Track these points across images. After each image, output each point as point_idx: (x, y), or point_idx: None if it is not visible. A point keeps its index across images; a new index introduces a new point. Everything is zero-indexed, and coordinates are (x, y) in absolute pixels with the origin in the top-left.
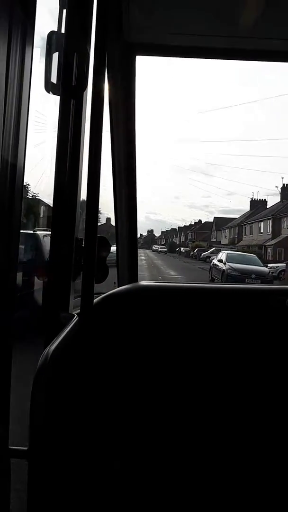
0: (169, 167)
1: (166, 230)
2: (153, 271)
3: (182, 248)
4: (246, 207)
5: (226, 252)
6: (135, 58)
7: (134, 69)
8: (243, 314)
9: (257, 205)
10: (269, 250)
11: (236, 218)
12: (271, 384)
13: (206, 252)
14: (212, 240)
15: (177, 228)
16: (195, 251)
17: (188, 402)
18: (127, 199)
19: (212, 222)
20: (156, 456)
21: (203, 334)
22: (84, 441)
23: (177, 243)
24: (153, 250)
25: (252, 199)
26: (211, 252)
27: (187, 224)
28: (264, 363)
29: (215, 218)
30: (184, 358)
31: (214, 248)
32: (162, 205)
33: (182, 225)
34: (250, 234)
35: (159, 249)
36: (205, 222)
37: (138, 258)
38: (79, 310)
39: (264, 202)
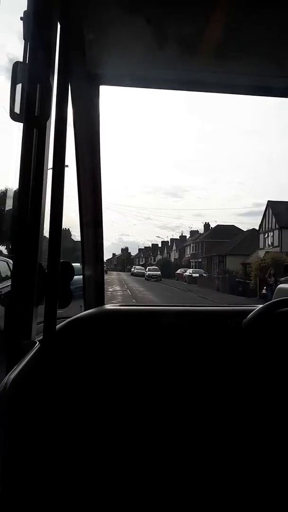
0: (140, 190)
1: (145, 247)
2: None
3: (190, 271)
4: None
5: None
6: (99, 88)
7: (97, 99)
8: (204, 335)
9: None
10: None
11: None
12: (229, 403)
13: None
14: (271, 246)
15: (159, 244)
16: None
17: (157, 426)
18: (93, 225)
19: (264, 212)
20: (119, 492)
21: (167, 356)
22: (48, 472)
23: (172, 261)
24: (134, 274)
25: None
26: None
27: (176, 236)
28: (223, 382)
29: (270, 202)
30: (150, 381)
31: None
32: (133, 227)
33: (167, 239)
34: None
35: (147, 273)
36: (217, 225)
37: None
38: (42, 337)
39: None
